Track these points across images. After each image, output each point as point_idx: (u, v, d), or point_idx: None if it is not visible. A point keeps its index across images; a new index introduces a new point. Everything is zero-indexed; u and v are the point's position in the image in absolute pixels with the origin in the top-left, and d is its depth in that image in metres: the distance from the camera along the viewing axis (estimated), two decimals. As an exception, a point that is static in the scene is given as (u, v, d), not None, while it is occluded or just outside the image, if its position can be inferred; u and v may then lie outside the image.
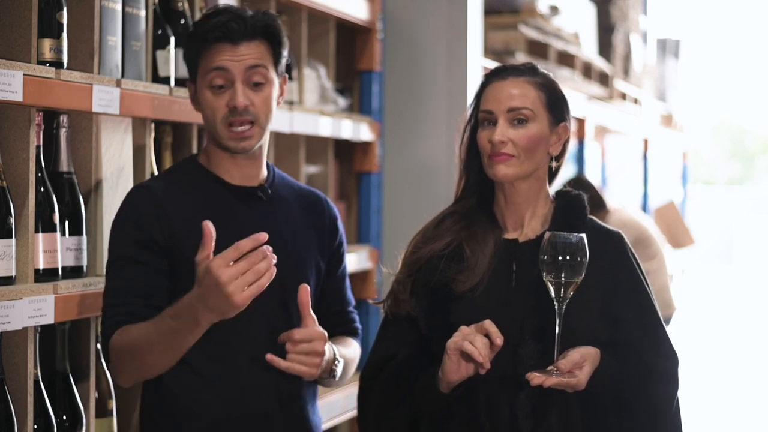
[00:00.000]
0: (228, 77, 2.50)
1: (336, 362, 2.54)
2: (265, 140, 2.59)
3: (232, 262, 2.26)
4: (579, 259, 2.35)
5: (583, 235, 2.36)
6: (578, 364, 2.34)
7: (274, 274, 2.29)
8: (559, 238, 2.35)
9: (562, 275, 2.34)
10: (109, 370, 2.55)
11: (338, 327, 2.72)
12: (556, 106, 2.49)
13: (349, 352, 2.66)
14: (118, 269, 2.50)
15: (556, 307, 2.36)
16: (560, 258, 2.34)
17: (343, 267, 2.75)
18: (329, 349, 2.52)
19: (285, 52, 2.59)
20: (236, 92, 2.50)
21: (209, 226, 2.30)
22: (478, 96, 2.52)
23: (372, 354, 2.59)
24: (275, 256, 2.30)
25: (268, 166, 2.66)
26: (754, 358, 10.71)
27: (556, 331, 2.36)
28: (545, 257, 2.35)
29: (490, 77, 2.52)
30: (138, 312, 2.46)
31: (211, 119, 2.53)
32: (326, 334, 2.49)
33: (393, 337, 2.55)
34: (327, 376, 2.55)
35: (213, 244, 2.29)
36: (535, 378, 2.31)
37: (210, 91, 2.52)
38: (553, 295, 2.36)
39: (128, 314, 2.46)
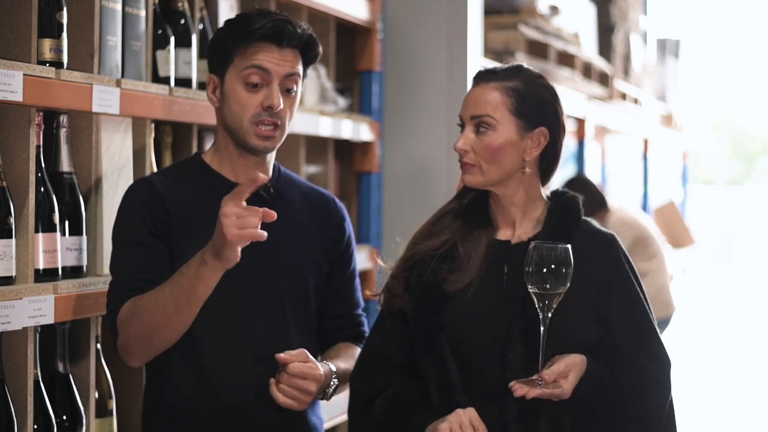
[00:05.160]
0: (266, 78, 2.52)
1: (330, 386, 2.54)
2: None
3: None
4: (564, 269, 2.33)
5: (569, 246, 2.35)
6: (563, 374, 2.33)
7: (265, 237, 2.31)
8: (543, 249, 2.34)
9: (547, 286, 2.33)
10: (118, 350, 2.51)
11: (343, 330, 2.72)
12: (531, 111, 2.44)
13: (349, 365, 2.63)
14: (123, 254, 2.52)
15: (540, 317, 2.35)
16: (545, 269, 2.33)
17: (351, 269, 2.74)
18: (325, 369, 2.51)
19: (309, 69, 2.63)
20: (273, 92, 2.52)
21: (259, 178, 2.32)
22: None
23: (363, 350, 2.58)
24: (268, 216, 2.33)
25: (274, 166, 2.66)
26: (754, 358, 10.71)
27: (541, 340, 2.35)
28: (529, 268, 2.33)
29: (473, 80, 2.51)
30: (146, 288, 2.45)
31: (238, 115, 2.53)
32: (321, 375, 2.47)
33: (384, 333, 2.54)
34: (319, 398, 2.56)
35: (247, 193, 2.31)
36: (519, 389, 2.31)
37: (243, 87, 2.52)
38: (537, 305, 2.35)
39: (135, 290, 2.46)
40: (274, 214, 2.30)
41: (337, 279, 2.70)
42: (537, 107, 2.45)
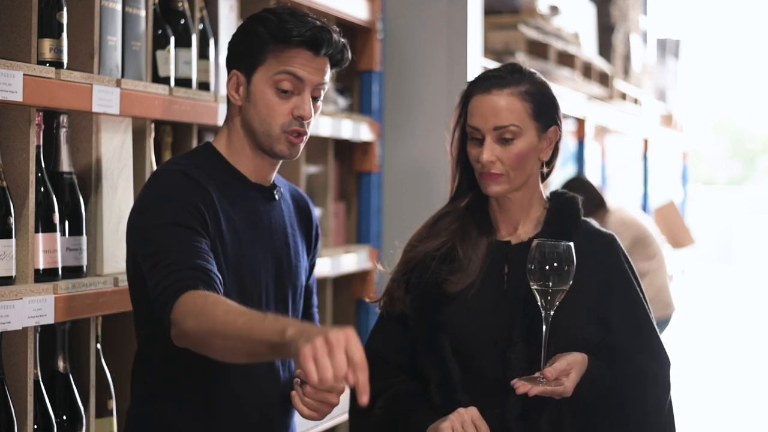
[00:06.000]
0: (298, 86, 2.45)
1: None
2: None
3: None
4: (566, 267, 2.34)
5: (571, 244, 2.35)
6: (564, 372, 2.34)
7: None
8: (546, 247, 2.34)
9: (550, 283, 2.34)
10: (170, 327, 2.25)
11: None
12: (544, 112, 2.45)
13: None
14: (169, 232, 2.31)
15: (543, 314, 2.35)
16: (547, 267, 2.33)
17: (314, 269, 2.73)
18: None
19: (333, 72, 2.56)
20: (305, 102, 2.45)
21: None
22: (465, 102, 2.49)
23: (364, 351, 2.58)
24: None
25: None
26: (754, 358, 10.71)
27: (543, 338, 2.35)
28: (532, 266, 2.34)
29: (474, 88, 2.46)
30: (209, 281, 2.26)
31: (266, 120, 2.45)
32: (344, 387, 2.32)
33: (384, 335, 2.55)
34: None
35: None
36: (521, 386, 2.31)
37: (274, 93, 2.44)
38: (540, 303, 2.35)
39: (198, 279, 2.24)
40: (365, 401, 1.94)
41: (309, 279, 2.69)
42: (549, 107, 2.46)
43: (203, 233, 2.36)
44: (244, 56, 2.48)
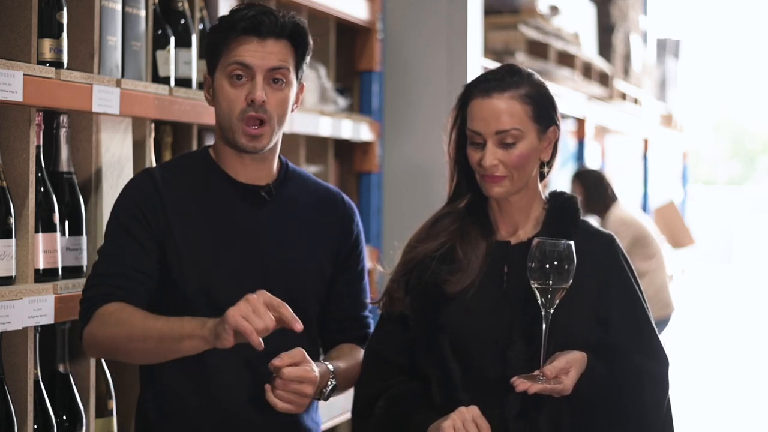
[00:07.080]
0: (249, 72, 2.45)
1: (327, 386, 2.48)
2: (278, 141, 2.54)
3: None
4: (566, 266, 2.34)
5: (571, 242, 2.35)
6: (564, 370, 2.34)
7: (260, 348, 2.25)
8: (546, 246, 2.34)
9: (550, 282, 2.34)
10: (81, 338, 2.45)
11: (348, 332, 2.66)
12: (544, 113, 2.45)
13: (349, 365, 2.57)
14: (114, 238, 2.48)
15: (542, 313, 2.35)
16: (548, 265, 2.33)
17: (359, 269, 2.68)
18: (322, 368, 2.46)
19: (307, 59, 2.55)
20: (256, 86, 2.44)
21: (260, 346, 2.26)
22: (463, 104, 2.49)
23: (364, 353, 2.58)
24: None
25: (282, 163, 2.61)
26: (754, 358, 10.71)
27: (543, 337, 2.35)
28: (532, 264, 2.34)
29: (474, 90, 2.45)
30: (130, 288, 2.41)
31: (226, 112, 2.47)
32: (317, 376, 2.40)
33: (384, 336, 2.54)
34: (317, 398, 2.49)
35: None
36: (521, 384, 2.31)
37: (228, 82, 2.46)
38: (540, 301, 2.35)
39: (120, 288, 2.41)
40: (300, 327, 2.27)
41: (343, 281, 2.64)
42: (548, 108, 2.46)
43: (145, 237, 2.47)
44: (209, 57, 2.53)
